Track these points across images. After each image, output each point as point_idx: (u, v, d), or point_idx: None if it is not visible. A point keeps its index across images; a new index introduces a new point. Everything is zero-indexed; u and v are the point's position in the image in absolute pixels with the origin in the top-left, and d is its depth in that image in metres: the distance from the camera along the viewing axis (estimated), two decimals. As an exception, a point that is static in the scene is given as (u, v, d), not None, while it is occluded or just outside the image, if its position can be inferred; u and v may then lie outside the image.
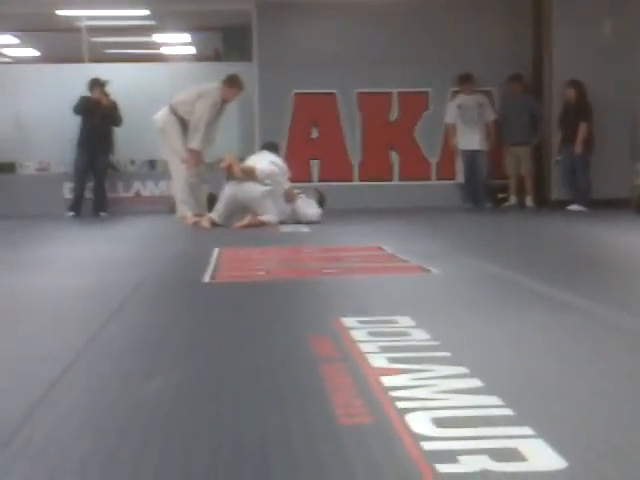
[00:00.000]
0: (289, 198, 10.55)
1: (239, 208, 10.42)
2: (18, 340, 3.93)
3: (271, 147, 11.21)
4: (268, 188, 10.32)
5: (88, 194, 13.24)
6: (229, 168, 10.33)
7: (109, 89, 13.05)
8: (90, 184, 13.23)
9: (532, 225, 10.30)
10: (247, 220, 10.26)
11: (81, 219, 12.73)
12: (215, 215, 10.54)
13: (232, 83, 11.18)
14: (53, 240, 9.59)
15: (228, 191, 10.46)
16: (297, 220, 10.45)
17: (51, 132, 13.60)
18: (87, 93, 13.00)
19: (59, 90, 13.41)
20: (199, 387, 2.99)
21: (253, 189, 10.35)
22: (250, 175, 10.32)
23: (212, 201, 11.10)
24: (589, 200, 12.51)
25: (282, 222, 10.35)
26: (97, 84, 12.95)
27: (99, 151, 13.04)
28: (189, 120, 11.00)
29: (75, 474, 2.17)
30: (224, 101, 11.23)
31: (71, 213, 12.97)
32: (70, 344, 3.70)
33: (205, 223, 10.50)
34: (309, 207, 10.65)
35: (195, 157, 11.04)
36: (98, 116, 12.84)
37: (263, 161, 10.64)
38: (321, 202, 10.79)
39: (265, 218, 10.29)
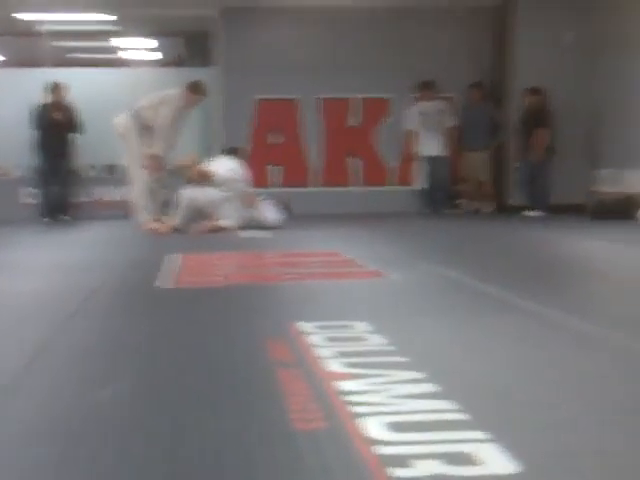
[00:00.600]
0: (248, 203, 10.55)
1: (197, 213, 10.43)
2: (-27, 345, 3.89)
3: (231, 152, 11.20)
4: (226, 194, 10.33)
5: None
6: (189, 167, 10.43)
7: (68, 95, 12.92)
8: (54, 188, 13.10)
9: (490, 231, 10.35)
10: (206, 225, 10.28)
11: (41, 223, 12.61)
12: (174, 220, 10.52)
13: (195, 89, 11.11)
14: (8, 245, 9.52)
15: (186, 195, 10.45)
16: (257, 225, 10.46)
17: (8, 136, 13.49)
18: (44, 97, 12.85)
19: (19, 94, 13.31)
20: (155, 392, 2.98)
21: (212, 193, 10.39)
22: (207, 179, 10.38)
23: (167, 206, 11.20)
24: (547, 205, 12.60)
25: (241, 227, 10.35)
26: (56, 88, 12.81)
27: (61, 155, 12.92)
28: (152, 126, 10.94)
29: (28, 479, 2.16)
30: (186, 107, 11.20)
31: (46, 219, 12.84)
32: (23, 349, 3.67)
33: (163, 229, 10.48)
34: (269, 212, 10.66)
35: (156, 162, 11.00)
36: (59, 126, 12.69)
37: (221, 167, 10.65)
38: (287, 210, 10.78)
39: (224, 223, 10.31)
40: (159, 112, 10.95)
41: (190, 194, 10.43)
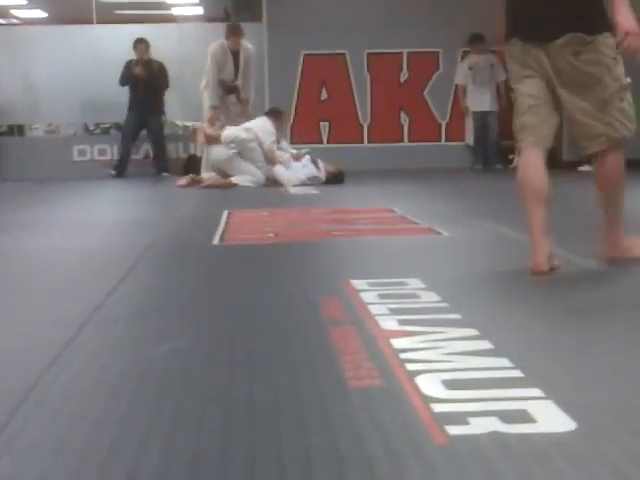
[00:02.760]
0: (270, 161, 10.60)
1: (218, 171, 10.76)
2: (28, 302, 3.94)
3: (270, 113, 11.19)
4: (233, 151, 10.54)
5: (134, 155, 13.18)
6: (194, 134, 10.74)
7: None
8: (144, 146, 13.21)
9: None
10: (210, 181, 10.62)
11: (123, 178, 12.62)
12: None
13: (227, 33, 11.61)
14: (63, 202, 9.60)
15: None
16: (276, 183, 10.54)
17: (60, 94, 13.55)
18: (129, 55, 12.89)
19: (67, 52, 13.36)
20: (210, 350, 3.00)
21: (219, 152, 10.68)
22: (214, 140, 10.64)
23: (192, 163, 11.51)
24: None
25: (258, 184, 10.43)
26: (141, 43, 12.84)
27: (150, 113, 12.87)
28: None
29: (87, 435, 2.19)
30: (232, 50, 11.44)
31: (113, 172, 12.84)
32: (80, 307, 3.71)
33: (182, 181, 10.89)
34: (291, 171, 10.61)
35: (214, 114, 11.31)
36: (143, 82, 12.71)
37: (237, 127, 10.88)
38: (338, 179, 10.67)
39: (235, 179, 10.51)
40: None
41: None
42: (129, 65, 12.77)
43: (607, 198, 4.46)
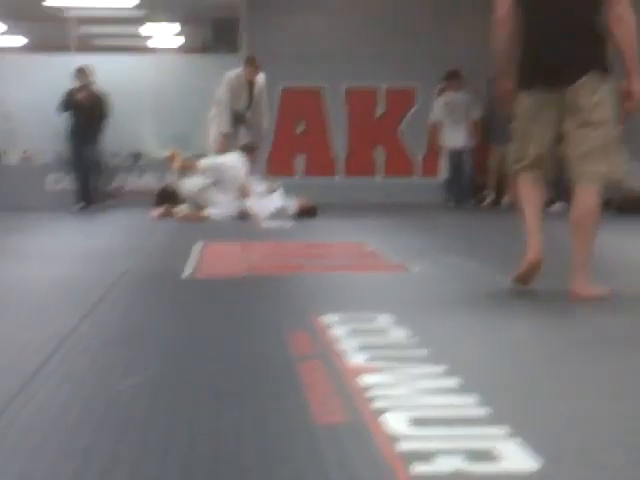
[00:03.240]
0: (243, 194, 10.61)
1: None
2: (-3, 331, 3.92)
3: (244, 148, 11.21)
4: (207, 181, 10.55)
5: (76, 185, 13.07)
6: (171, 159, 10.71)
7: (96, 81, 12.91)
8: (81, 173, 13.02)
9: (513, 223, 10.27)
10: (183, 213, 10.64)
11: (68, 210, 12.55)
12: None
13: (244, 63, 11.68)
14: (35, 231, 9.57)
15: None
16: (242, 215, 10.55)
17: (35, 122, 13.52)
18: (73, 84, 12.87)
19: (45, 80, 13.34)
20: (177, 383, 2.99)
21: (193, 183, 10.69)
22: (190, 168, 10.64)
23: (166, 193, 11.49)
24: (571, 199, 12.50)
25: (228, 217, 10.43)
26: (82, 73, 12.79)
27: (86, 141, 12.79)
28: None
29: (50, 467, 2.17)
30: (248, 80, 11.52)
31: (81, 204, 12.71)
32: (49, 336, 3.69)
33: (156, 212, 10.87)
34: (262, 205, 10.62)
35: (223, 140, 11.45)
36: (85, 109, 12.67)
37: (213, 158, 11.02)
38: (311, 213, 10.65)
39: (207, 212, 10.50)
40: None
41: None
42: (71, 92, 12.72)
43: (582, 235, 4.64)
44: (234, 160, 10.81)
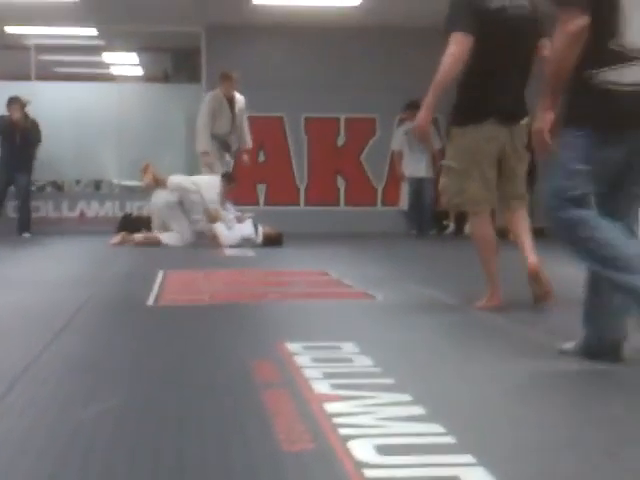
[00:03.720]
0: (209, 219, 10.60)
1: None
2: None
3: (225, 176, 11.15)
4: (173, 199, 10.53)
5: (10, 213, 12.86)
6: (144, 171, 10.68)
7: (28, 109, 12.72)
8: (11, 203, 12.83)
9: (475, 253, 10.33)
10: (139, 238, 10.62)
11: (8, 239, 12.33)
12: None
13: (219, 80, 11.56)
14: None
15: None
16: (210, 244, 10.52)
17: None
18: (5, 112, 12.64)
19: (4, 108, 13.21)
20: (140, 412, 2.97)
21: (161, 196, 10.68)
22: (160, 183, 10.63)
23: (127, 221, 11.43)
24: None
25: (184, 245, 10.42)
26: (15, 102, 12.56)
27: (20, 170, 12.55)
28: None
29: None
30: (227, 97, 11.48)
31: (27, 234, 12.47)
32: (10, 365, 3.66)
33: (115, 240, 10.79)
34: (231, 232, 10.61)
35: (208, 158, 11.37)
36: (17, 135, 12.45)
37: (185, 177, 10.98)
38: (277, 241, 10.64)
39: (162, 237, 10.51)
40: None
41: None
42: (2, 120, 12.60)
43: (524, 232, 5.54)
44: (208, 183, 10.75)
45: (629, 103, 3.59)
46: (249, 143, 11.85)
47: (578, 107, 3.64)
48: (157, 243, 10.38)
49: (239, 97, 11.59)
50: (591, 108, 3.60)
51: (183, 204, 10.56)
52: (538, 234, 5.51)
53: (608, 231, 3.52)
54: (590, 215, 3.56)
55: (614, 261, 3.45)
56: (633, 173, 3.67)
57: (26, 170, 12.63)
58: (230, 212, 10.90)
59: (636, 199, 3.81)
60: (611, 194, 3.66)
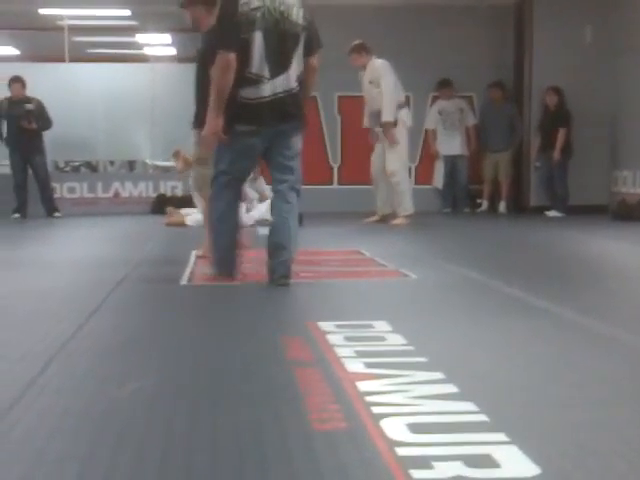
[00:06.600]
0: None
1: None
2: (-6, 340, 3.91)
3: None
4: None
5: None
6: (175, 156, 10.68)
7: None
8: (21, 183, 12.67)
9: (510, 231, 10.32)
10: (169, 219, 10.74)
11: (31, 220, 12.37)
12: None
13: None
14: (36, 240, 9.56)
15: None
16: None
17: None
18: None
19: (39, 89, 13.26)
20: (174, 390, 2.99)
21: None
22: (189, 165, 10.65)
23: (162, 202, 11.41)
24: (567, 206, 12.54)
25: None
26: (16, 81, 12.54)
27: (32, 153, 12.54)
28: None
29: (50, 475, 2.17)
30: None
31: (17, 215, 12.45)
32: (46, 345, 3.69)
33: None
34: (255, 211, 10.63)
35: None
36: (22, 117, 12.40)
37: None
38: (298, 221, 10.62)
39: (188, 219, 10.54)
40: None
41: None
42: (3, 103, 12.58)
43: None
44: None
45: (260, 109, 5.36)
46: None
47: (234, 113, 5.33)
48: (181, 224, 10.42)
49: None
50: (239, 114, 5.35)
51: None
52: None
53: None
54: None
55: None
56: (275, 150, 5.49)
57: (38, 152, 12.59)
58: (258, 190, 10.92)
59: (285, 168, 5.55)
60: (268, 166, 5.69)
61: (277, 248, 5.48)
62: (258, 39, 5.35)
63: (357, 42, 11.11)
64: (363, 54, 11.06)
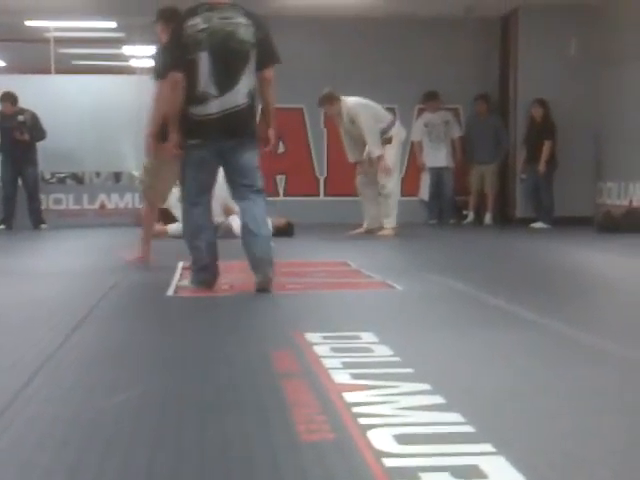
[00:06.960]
0: (226, 210, 10.57)
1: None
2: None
3: None
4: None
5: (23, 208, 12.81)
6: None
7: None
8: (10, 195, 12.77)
9: (496, 242, 10.34)
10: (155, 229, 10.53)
11: (18, 232, 12.34)
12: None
13: None
14: (21, 251, 9.54)
15: None
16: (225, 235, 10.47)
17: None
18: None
19: (25, 101, 13.25)
20: (161, 401, 2.99)
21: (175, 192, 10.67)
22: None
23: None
24: (552, 218, 12.59)
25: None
26: (6, 99, 12.61)
27: (24, 164, 12.64)
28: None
29: (35, 487, 2.17)
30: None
31: (2, 226, 12.53)
32: (34, 354, 3.69)
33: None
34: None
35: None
36: (14, 130, 12.47)
37: None
38: (288, 232, 10.60)
39: (169, 228, 10.46)
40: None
41: None
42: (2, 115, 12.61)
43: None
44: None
45: (207, 125, 5.59)
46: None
47: (186, 128, 5.65)
48: (163, 234, 10.35)
49: None
50: (190, 129, 5.64)
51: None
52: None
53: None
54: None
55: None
56: (230, 166, 5.71)
57: (31, 163, 12.67)
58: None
59: (242, 186, 5.71)
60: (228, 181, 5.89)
61: (249, 234, 5.69)
62: (204, 59, 5.58)
63: (324, 93, 11.03)
64: (334, 102, 10.95)
